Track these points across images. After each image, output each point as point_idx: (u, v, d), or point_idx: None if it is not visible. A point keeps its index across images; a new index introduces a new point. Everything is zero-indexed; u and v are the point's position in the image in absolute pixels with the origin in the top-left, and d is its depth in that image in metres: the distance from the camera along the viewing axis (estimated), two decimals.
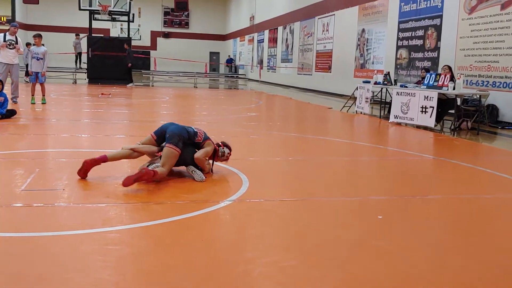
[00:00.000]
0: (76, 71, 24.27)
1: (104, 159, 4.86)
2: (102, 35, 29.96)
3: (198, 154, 5.12)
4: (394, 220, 4.06)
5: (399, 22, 15.91)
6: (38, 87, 12.58)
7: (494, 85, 11.39)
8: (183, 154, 5.01)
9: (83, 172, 4.82)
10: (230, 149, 5.46)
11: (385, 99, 12.66)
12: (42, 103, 12.24)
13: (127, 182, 4.44)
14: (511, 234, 3.86)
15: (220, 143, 5.44)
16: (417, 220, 4.11)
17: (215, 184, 4.97)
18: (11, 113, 9.33)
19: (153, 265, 2.94)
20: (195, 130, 5.23)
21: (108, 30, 40.34)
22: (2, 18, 37.00)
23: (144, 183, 4.74)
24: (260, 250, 3.26)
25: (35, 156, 6.02)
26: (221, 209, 4.14)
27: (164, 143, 4.98)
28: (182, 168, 5.27)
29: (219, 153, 5.37)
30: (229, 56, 41.80)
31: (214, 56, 46.30)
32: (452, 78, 9.93)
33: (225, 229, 3.77)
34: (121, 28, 39.44)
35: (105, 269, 2.85)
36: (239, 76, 32.67)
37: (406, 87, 11.05)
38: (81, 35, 26.94)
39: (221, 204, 4.23)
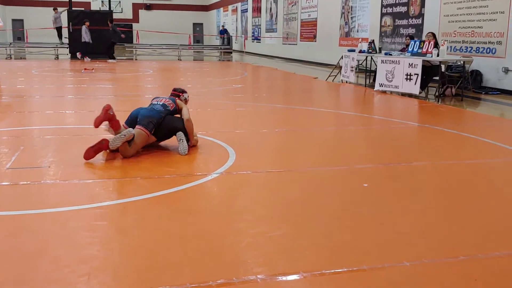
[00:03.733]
0: (58, 46, 23.83)
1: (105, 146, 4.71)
2: (82, 9, 29.41)
3: (185, 116, 5.15)
4: (379, 188, 4.11)
5: None
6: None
7: (477, 51, 11.42)
8: (168, 124, 5.04)
9: (94, 151, 4.65)
10: (185, 91, 5.61)
11: (370, 68, 12.65)
12: None
13: (87, 155, 4.57)
14: (494, 198, 3.93)
15: (175, 93, 5.48)
16: (402, 187, 4.17)
17: (202, 157, 4.98)
18: None
19: (141, 239, 2.97)
20: (161, 103, 5.20)
21: (89, 3, 39.59)
22: None
23: (134, 158, 4.74)
24: (248, 221, 3.29)
25: (19, 134, 5.96)
26: (208, 182, 4.16)
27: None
28: (168, 143, 5.27)
29: (183, 100, 5.47)
30: (222, 26, 37.57)
31: (198, 27, 45.73)
32: (436, 45, 9.94)
33: (213, 202, 3.79)
34: (102, 1, 38.70)
35: (93, 245, 2.87)
36: (223, 47, 32.09)
37: (391, 55, 11.05)
38: (60, 9, 26.32)
39: (209, 177, 4.25)
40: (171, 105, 5.23)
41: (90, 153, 4.61)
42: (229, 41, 34.73)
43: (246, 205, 3.63)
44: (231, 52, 31.01)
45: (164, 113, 5.10)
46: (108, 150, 4.76)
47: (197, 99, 9.39)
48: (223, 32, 35.61)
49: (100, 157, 4.74)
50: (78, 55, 20.87)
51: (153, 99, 5.41)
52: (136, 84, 12.94)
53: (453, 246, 2.95)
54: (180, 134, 5.01)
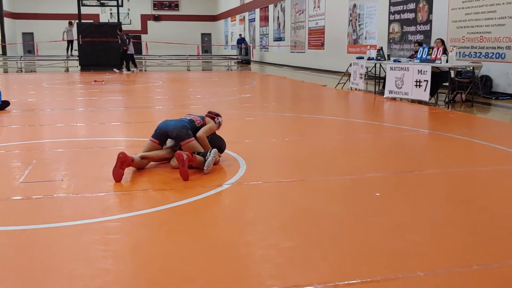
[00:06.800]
0: (68, 59, 24.06)
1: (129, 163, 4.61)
2: (91, 21, 29.68)
3: (200, 133, 5.01)
4: (391, 197, 4.09)
5: None
6: None
7: (487, 56, 11.37)
8: (215, 142, 5.04)
9: (118, 169, 4.46)
10: (220, 115, 5.48)
11: (379, 75, 12.64)
12: None
13: (117, 177, 4.44)
14: (508, 205, 3.90)
15: (210, 115, 5.37)
16: (414, 195, 4.15)
17: (213, 168, 4.96)
18: (5, 104, 9.30)
19: (154, 252, 2.98)
20: (188, 118, 5.16)
21: (98, 15, 39.97)
22: None
23: (145, 171, 4.77)
24: (259, 232, 3.30)
25: (31, 148, 6.02)
26: (219, 193, 4.17)
27: (168, 144, 4.98)
28: None
29: (216, 124, 5.39)
30: (240, 35, 34.14)
31: (206, 37, 45.97)
32: (445, 51, 9.91)
33: (224, 213, 3.80)
34: (111, 13, 39.04)
35: (107, 259, 2.88)
36: (232, 57, 31.87)
37: (400, 61, 11.04)
38: (67, 27, 26.17)
39: (220, 188, 4.26)
40: (198, 121, 5.14)
41: (118, 173, 4.45)
42: (247, 51, 31.42)
43: (258, 216, 3.64)
44: (249, 63, 29.72)
45: (191, 124, 5.02)
46: (132, 166, 4.71)
47: (207, 109, 9.42)
48: (241, 41, 32.35)
49: (111, 170, 4.73)
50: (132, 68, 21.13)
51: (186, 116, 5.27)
52: (146, 95, 13.02)
53: (466, 255, 2.93)
54: (216, 151, 4.85)
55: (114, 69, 21.09)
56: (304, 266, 2.77)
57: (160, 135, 4.98)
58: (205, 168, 4.65)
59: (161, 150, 5.00)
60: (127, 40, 20.79)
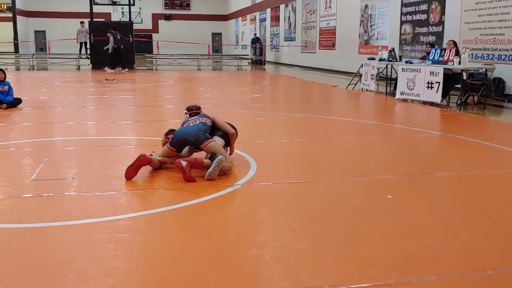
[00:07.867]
0: (80, 57, 24.20)
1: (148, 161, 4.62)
2: (103, 20, 29.78)
3: (220, 120, 5.10)
4: (403, 199, 4.06)
5: None
6: None
7: (499, 58, 11.27)
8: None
9: (133, 169, 4.51)
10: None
11: (391, 76, 12.57)
12: None
13: (128, 174, 4.48)
14: None
15: (197, 111, 5.27)
16: (426, 198, 4.11)
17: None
18: (17, 102, 9.35)
19: (164, 251, 2.97)
20: (196, 122, 5.01)
21: (109, 14, 40.08)
22: (3, 5, 36.80)
23: (156, 170, 4.78)
24: (271, 233, 3.28)
25: (42, 145, 6.05)
26: (230, 193, 4.15)
27: (185, 150, 4.97)
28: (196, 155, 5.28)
29: None
30: (254, 35, 32.22)
31: (217, 37, 45.99)
32: (457, 53, 9.83)
33: (235, 213, 3.79)
34: (122, 12, 39.11)
35: (117, 257, 2.88)
36: (242, 56, 31.63)
37: (412, 63, 10.96)
38: (79, 28, 26.05)
39: (230, 188, 4.25)
40: (208, 120, 5.05)
41: (132, 172, 4.49)
42: (261, 51, 29.44)
43: (269, 217, 3.62)
44: (262, 63, 28.43)
45: (205, 126, 4.93)
46: (149, 165, 4.69)
47: (217, 109, 9.43)
48: (255, 41, 30.43)
49: (122, 168, 4.74)
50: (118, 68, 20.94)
51: (183, 123, 5.12)
52: (157, 94, 13.04)
53: (480, 259, 2.89)
54: (222, 159, 4.63)
55: (121, 69, 21.02)
56: (316, 267, 2.76)
57: (178, 143, 4.87)
58: (206, 176, 4.49)
59: (177, 156, 4.90)
60: (121, 39, 20.60)
